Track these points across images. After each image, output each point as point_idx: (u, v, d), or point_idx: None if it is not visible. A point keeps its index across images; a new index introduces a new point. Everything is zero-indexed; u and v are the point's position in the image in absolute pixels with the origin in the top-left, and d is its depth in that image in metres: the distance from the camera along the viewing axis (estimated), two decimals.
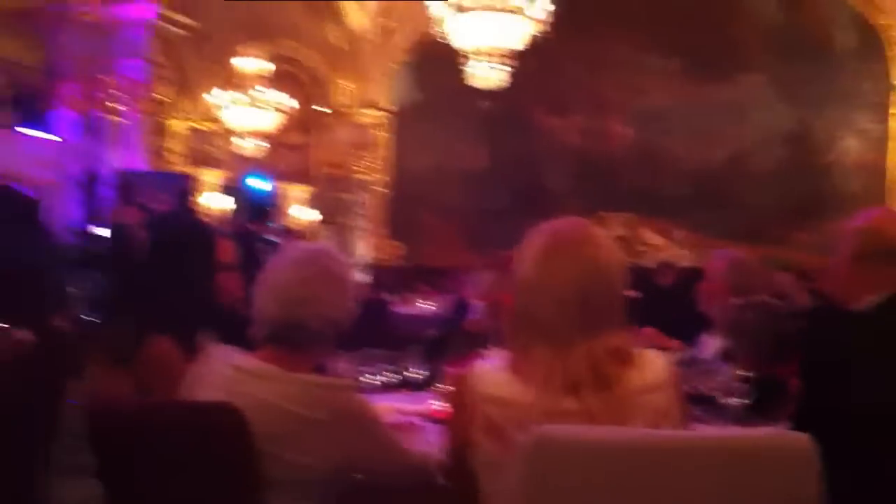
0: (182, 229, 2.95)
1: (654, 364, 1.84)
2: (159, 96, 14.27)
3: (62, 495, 2.42)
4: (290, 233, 12.08)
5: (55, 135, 13.31)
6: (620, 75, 16.47)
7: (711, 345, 3.59)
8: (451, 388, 2.00)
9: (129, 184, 9.94)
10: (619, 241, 15.82)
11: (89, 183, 12.64)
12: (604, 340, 1.79)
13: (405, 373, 3.24)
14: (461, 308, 8.07)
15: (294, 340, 2.02)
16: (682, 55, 15.89)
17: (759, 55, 15.68)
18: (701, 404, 2.87)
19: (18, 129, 13.21)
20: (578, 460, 1.57)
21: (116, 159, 13.43)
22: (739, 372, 2.89)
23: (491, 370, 1.85)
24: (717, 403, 2.90)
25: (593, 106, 16.82)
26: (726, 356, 3.15)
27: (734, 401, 2.86)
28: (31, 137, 13.08)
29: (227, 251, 3.15)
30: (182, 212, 8.48)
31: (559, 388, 1.75)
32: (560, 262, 1.83)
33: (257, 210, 9.34)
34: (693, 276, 10.95)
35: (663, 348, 3.43)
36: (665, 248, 16.12)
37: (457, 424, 1.89)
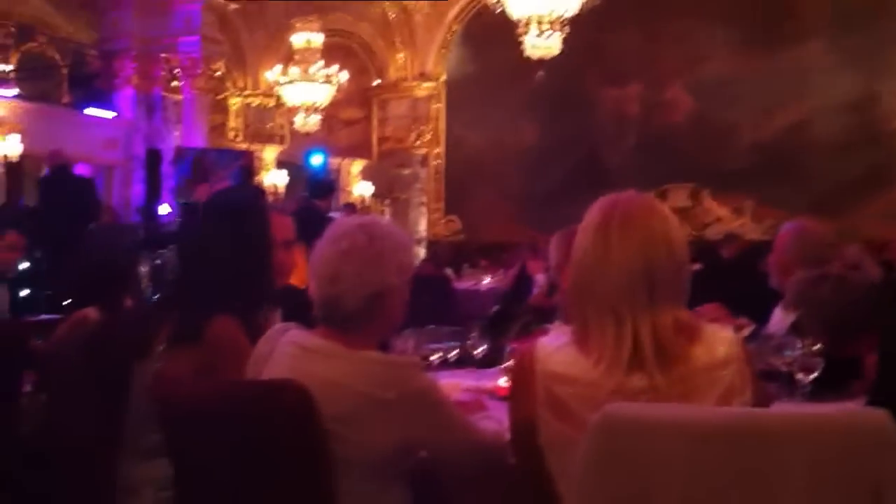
0: (239, 206, 2.92)
1: (721, 339, 1.79)
2: (217, 73, 14.36)
3: (133, 475, 2.44)
4: (351, 208, 12.09)
5: (116, 114, 13.51)
6: (680, 44, 16.12)
7: (781, 319, 3.51)
8: (515, 365, 1.98)
9: (200, 161, 10.04)
10: (682, 214, 15.80)
11: (151, 161, 12.82)
12: (668, 315, 1.75)
13: (469, 349, 3.21)
14: (522, 283, 8.05)
15: (337, 319, 2.00)
16: (744, 22, 15.51)
17: (821, 21, 15.24)
18: (771, 381, 2.81)
19: (80, 109, 13.45)
20: (647, 439, 1.53)
21: (177, 137, 13.60)
22: (811, 347, 2.81)
23: (555, 347, 1.82)
24: (788, 380, 2.83)
25: (652, 76, 16.52)
26: (797, 331, 3.05)
27: (806, 377, 2.79)
28: (93, 117, 13.30)
29: (286, 228, 3.14)
30: (240, 188, 8.54)
31: (625, 364, 1.72)
32: (623, 235, 1.78)
33: (316, 186, 9.37)
34: (759, 248, 10.77)
35: (730, 325, 3.35)
36: (729, 220, 15.84)
37: (520, 402, 1.86)
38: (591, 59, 16.24)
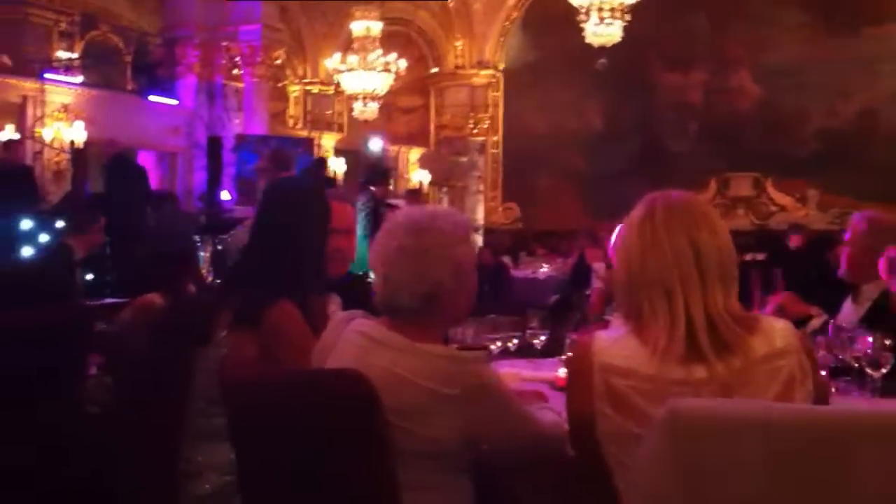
0: (294, 195, 2.94)
1: (778, 330, 1.77)
2: (277, 61, 14.48)
3: (195, 459, 2.47)
4: (415, 195, 12.01)
5: (179, 101, 13.70)
6: (748, 29, 15.82)
7: (852, 312, 3.41)
8: (572, 357, 1.96)
9: (281, 151, 10.09)
10: (745, 203, 15.54)
11: (213, 148, 12.98)
12: (719, 297, 1.75)
13: (528, 339, 3.19)
14: (581, 272, 8.00)
15: (396, 314, 1.99)
16: (814, 7, 15.16)
17: (893, 7, 14.84)
18: (842, 375, 2.73)
19: (143, 96, 13.68)
20: (717, 436, 1.49)
21: (238, 125, 13.76)
22: (882, 341, 2.72)
23: (612, 339, 1.81)
24: (859, 374, 2.75)
25: (717, 62, 16.25)
26: (869, 324, 2.97)
27: (877, 372, 2.70)
28: (156, 104, 13.51)
29: (347, 216, 3.14)
30: (299, 177, 8.59)
31: (683, 354, 1.71)
32: (667, 220, 1.80)
33: (371, 172, 9.40)
34: (825, 238, 10.53)
35: (802, 315, 3.28)
36: (793, 209, 15.54)
37: (577, 395, 1.84)
38: (654, 44, 16.04)
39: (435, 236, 1.98)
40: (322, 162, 10.49)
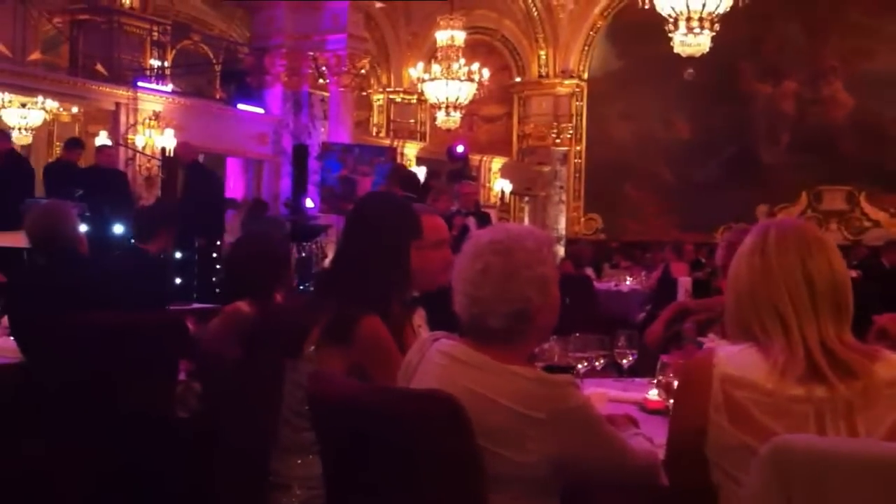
0: (386, 205, 2.94)
1: (893, 360, 1.73)
2: (362, 70, 14.63)
3: (283, 471, 2.47)
4: (483, 218, 11.96)
5: (266, 110, 13.95)
6: (844, 38, 15.40)
7: None
8: (688, 368, 1.91)
9: (397, 169, 10.13)
10: (838, 217, 15.13)
11: (298, 156, 13.17)
12: (831, 327, 1.73)
13: (616, 358, 3.12)
14: (666, 286, 7.86)
15: (483, 336, 1.96)
16: None
17: None
18: None
19: (232, 104, 13.96)
20: (820, 472, 1.45)
21: (323, 133, 13.94)
22: None
23: (734, 351, 1.78)
24: None
25: (811, 71, 15.85)
26: None
27: None
28: (244, 112, 13.78)
29: (438, 228, 3.13)
30: (384, 192, 8.57)
31: (803, 375, 1.68)
32: (780, 247, 1.78)
33: (405, 180, 9.29)
34: None
35: None
36: (889, 224, 15.05)
37: (690, 406, 1.79)
38: (746, 53, 15.75)
39: (520, 256, 1.94)
40: (397, 172, 10.46)
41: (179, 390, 3.60)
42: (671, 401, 2.46)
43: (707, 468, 1.78)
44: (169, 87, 13.53)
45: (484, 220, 8.86)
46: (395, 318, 2.54)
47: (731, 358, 1.76)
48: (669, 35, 11.21)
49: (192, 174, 9.62)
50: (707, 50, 11.33)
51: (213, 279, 8.91)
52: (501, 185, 17.27)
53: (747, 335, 1.79)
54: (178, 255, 8.86)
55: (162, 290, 5.18)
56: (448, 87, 14.84)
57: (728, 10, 10.84)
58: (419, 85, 15.43)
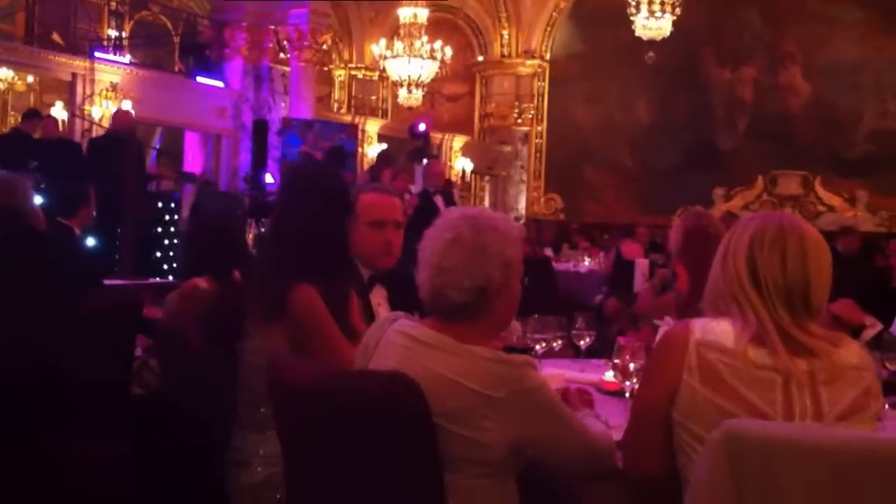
0: (305, 176, 2.91)
1: (855, 347, 1.85)
2: (323, 45, 14.50)
3: (245, 449, 2.47)
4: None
5: (226, 84, 13.79)
6: (802, 26, 15.57)
7: None
8: (666, 335, 1.96)
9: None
10: (793, 202, 15.35)
11: (258, 131, 13.05)
12: (792, 319, 1.81)
13: (574, 339, 3.15)
14: (621, 268, 7.92)
15: (445, 311, 1.97)
16: (871, 5, 14.86)
17: None
18: (892, 391, 2.67)
19: (191, 77, 13.78)
20: (770, 456, 1.49)
21: (284, 108, 13.82)
22: None
23: (707, 322, 1.88)
24: None
25: (769, 58, 16.02)
26: None
27: None
28: (203, 86, 13.60)
29: (395, 209, 3.12)
30: (322, 162, 8.46)
31: (766, 347, 1.78)
32: (739, 243, 1.88)
33: (331, 153, 9.19)
34: (875, 242, 10.27)
35: (856, 324, 3.21)
36: (842, 209, 15.31)
37: (663, 371, 1.87)
38: (706, 38, 15.87)
39: (491, 234, 1.97)
40: (337, 152, 10.37)
41: (136, 367, 3.57)
42: (627, 382, 2.49)
43: (668, 438, 1.85)
44: (127, 59, 13.32)
45: (451, 198, 8.85)
46: (334, 291, 2.50)
47: (706, 326, 1.86)
48: (631, 18, 11.27)
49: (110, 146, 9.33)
50: (668, 34, 11.42)
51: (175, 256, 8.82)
52: (463, 164, 17.27)
53: (718, 313, 1.89)
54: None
55: (95, 268, 5.10)
56: (410, 64, 14.78)
57: None
58: (381, 62, 15.34)
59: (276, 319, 2.44)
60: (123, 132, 9.06)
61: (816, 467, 1.47)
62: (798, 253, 1.83)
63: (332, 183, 2.75)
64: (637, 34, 11.51)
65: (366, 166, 15.77)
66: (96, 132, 12.03)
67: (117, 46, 13.73)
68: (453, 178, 15.94)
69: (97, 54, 12.52)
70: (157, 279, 8.48)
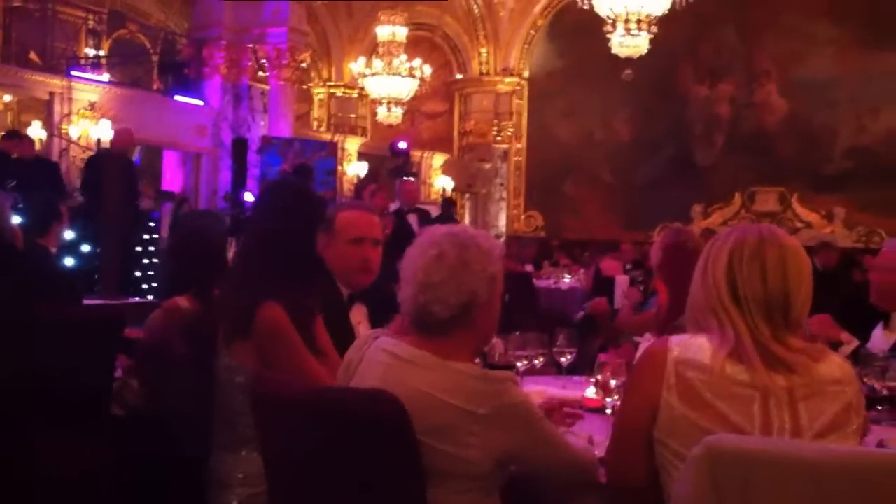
0: (274, 193, 2.92)
1: (837, 361, 1.85)
2: (303, 64, 14.52)
3: (225, 469, 2.46)
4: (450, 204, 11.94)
5: (205, 102, 13.76)
6: (778, 42, 15.73)
7: (883, 340, 3.37)
8: (644, 355, 1.98)
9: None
10: (770, 218, 15.46)
11: (238, 150, 13.03)
12: (772, 332, 1.81)
13: (555, 356, 3.16)
14: (601, 285, 7.94)
15: (428, 327, 1.99)
16: (846, 21, 15.03)
17: None
18: (875, 405, 2.70)
19: (169, 96, 13.75)
20: (749, 471, 1.49)
21: (263, 126, 13.81)
22: None
23: (685, 339, 1.88)
24: (891, 403, 2.72)
25: (746, 75, 16.18)
26: None
27: None
28: (182, 104, 13.57)
29: (374, 226, 3.12)
30: (293, 179, 8.45)
31: (744, 363, 1.78)
32: (719, 257, 1.88)
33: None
34: (853, 258, 10.32)
35: (833, 340, 3.25)
36: (820, 225, 15.44)
37: (643, 388, 1.88)
38: (684, 55, 16.01)
39: (474, 251, 1.99)
40: (303, 169, 10.42)
41: (117, 387, 3.55)
42: (608, 399, 2.51)
43: (650, 454, 1.86)
44: (105, 77, 13.28)
45: (426, 217, 8.85)
46: (304, 309, 2.50)
47: (684, 343, 1.87)
48: (608, 36, 11.35)
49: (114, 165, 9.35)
50: (645, 51, 11.50)
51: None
52: (443, 182, 17.30)
53: (698, 328, 1.90)
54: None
55: (74, 287, 5.06)
56: (389, 82, 14.83)
57: (666, 12, 11.02)
58: (360, 80, 15.39)
59: (244, 337, 2.43)
60: (124, 150, 9.10)
61: (796, 482, 1.47)
62: (778, 264, 1.84)
63: (299, 199, 2.74)
64: (614, 52, 11.58)
65: (346, 184, 15.80)
66: (74, 151, 11.98)
67: (95, 65, 13.69)
68: (433, 196, 15.96)
69: (74, 73, 12.48)
70: (137, 298, 8.44)
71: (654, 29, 11.36)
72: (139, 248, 9.11)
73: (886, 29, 14.80)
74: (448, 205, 11.39)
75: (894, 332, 3.39)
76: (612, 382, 2.48)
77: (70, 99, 12.17)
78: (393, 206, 8.94)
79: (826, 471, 1.47)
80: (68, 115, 12.13)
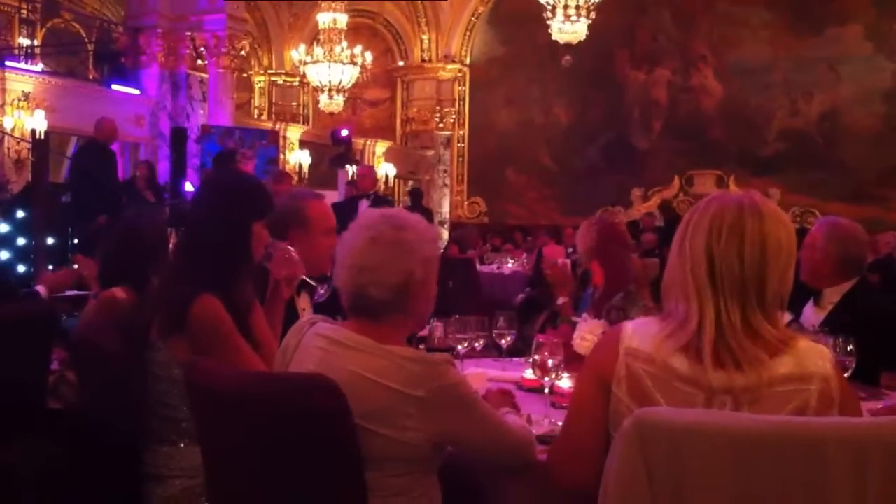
0: (214, 188, 2.90)
1: (813, 354, 1.74)
2: (242, 51, 14.35)
3: (158, 462, 2.44)
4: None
5: (142, 91, 13.53)
6: (712, 27, 15.99)
7: (813, 315, 3.46)
8: (597, 346, 1.97)
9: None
10: None
11: (177, 139, 12.84)
12: (738, 321, 1.73)
13: (495, 339, 3.19)
14: (542, 270, 8.00)
15: (365, 310, 1.99)
16: (780, 7, 15.33)
17: (859, 7, 15.05)
18: None
19: (106, 85, 13.48)
20: (679, 444, 1.50)
21: (202, 115, 13.62)
22: (844, 346, 2.76)
23: (639, 325, 1.84)
24: None
25: (681, 60, 16.41)
26: (831, 327, 3.01)
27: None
28: (119, 93, 13.32)
29: (327, 215, 3.13)
30: (224, 170, 8.38)
31: (692, 358, 1.72)
32: (698, 229, 1.78)
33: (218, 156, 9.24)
34: None
35: None
36: None
37: (594, 382, 1.84)
38: (621, 41, 16.17)
39: (410, 233, 2.00)
40: (226, 156, 10.36)
41: (53, 381, 3.49)
42: (546, 378, 2.54)
43: (601, 444, 1.80)
44: (39, 67, 12.97)
45: (382, 203, 8.91)
46: (238, 300, 2.48)
47: (636, 330, 1.83)
48: (548, 22, 11.42)
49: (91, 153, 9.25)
50: (584, 37, 11.60)
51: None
52: (385, 170, 17.26)
53: (670, 301, 1.82)
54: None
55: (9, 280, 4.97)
56: (331, 70, 14.74)
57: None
58: (301, 67, 15.26)
59: (180, 331, 2.41)
60: (105, 141, 8.98)
61: (726, 453, 1.48)
62: (757, 238, 1.74)
63: (232, 188, 2.72)
64: (554, 38, 11.66)
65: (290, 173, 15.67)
66: (8, 143, 11.70)
67: (29, 55, 13.35)
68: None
69: (8, 63, 12.17)
70: (75, 291, 8.28)
71: (593, 15, 11.47)
72: (75, 241, 8.94)
73: (819, 14, 15.12)
74: (417, 196, 11.42)
75: (824, 308, 3.48)
76: (550, 362, 2.50)
77: (3, 90, 11.86)
78: (338, 196, 8.98)
79: (755, 441, 1.47)
80: (2, 105, 11.82)
